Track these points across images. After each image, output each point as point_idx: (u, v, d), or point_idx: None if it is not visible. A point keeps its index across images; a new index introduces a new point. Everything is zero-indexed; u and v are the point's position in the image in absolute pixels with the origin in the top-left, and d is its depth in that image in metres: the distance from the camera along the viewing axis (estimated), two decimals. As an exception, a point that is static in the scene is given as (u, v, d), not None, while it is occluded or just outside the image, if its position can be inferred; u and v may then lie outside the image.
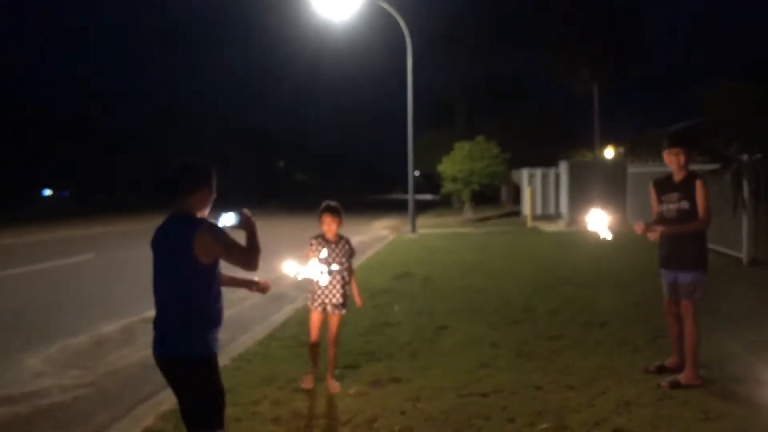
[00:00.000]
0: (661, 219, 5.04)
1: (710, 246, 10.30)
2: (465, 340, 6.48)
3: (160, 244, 3.25)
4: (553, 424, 4.27)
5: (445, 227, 21.32)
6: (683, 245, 4.91)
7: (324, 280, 4.74)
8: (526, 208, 22.08)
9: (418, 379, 5.24)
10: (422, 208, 29.42)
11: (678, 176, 4.98)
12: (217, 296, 3.26)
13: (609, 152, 29.52)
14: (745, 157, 7.74)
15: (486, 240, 16.74)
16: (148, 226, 4.58)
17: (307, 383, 5.03)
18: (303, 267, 4.24)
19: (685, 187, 4.91)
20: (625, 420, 4.27)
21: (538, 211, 22.44)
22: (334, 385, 5.01)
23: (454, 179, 23.53)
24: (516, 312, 7.66)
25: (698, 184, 4.85)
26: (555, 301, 8.16)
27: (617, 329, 6.62)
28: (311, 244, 4.98)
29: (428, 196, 32.62)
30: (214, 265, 3.21)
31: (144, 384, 5.35)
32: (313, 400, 4.83)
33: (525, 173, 23.95)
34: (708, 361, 5.17)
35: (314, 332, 5.07)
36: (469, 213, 23.89)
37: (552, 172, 21.92)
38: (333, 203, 5.07)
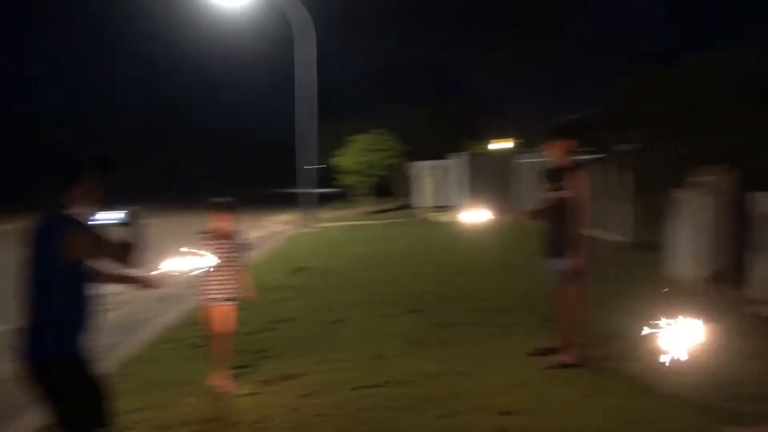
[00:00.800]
0: (546, 205, 5.24)
1: (596, 231, 10.94)
2: (361, 332, 6.48)
3: (31, 243, 3.03)
4: (444, 410, 4.33)
5: (344, 220, 21.31)
6: (564, 234, 5.12)
7: (214, 275, 4.63)
8: (423, 199, 22.49)
9: (313, 374, 5.18)
10: (322, 201, 29.26)
11: (563, 165, 5.19)
12: (88, 298, 3.07)
13: (504, 144, 30.51)
14: (625, 147, 8.21)
15: (384, 232, 16.89)
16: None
17: (219, 382, 4.84)
18: (193, 262, 4.10)
19: (568, 176, 5.12)
20: (513, 401, 4.41)
21: (435, 202, 22.90)
22: (228, 384, 4.86)
23: (353, 172, 23.59)
24: (412, 301, 7.75)
25: (578, 174, 5.07)
26: (449, 290, 8.34)
27: (508, 314, 6.84)
28: (201, 239, 4.82)
29: (328, 189, 32.40)
30: (85, 265, 3.02)
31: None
32: (202, 404, 4.65)
33: (422, 165, 24.35)
34: (592, 341, 5.43)
35: (213, 327, 4.89)
36: (367, 205, 24.02)
37: (447, 164, 22.42)
38: (224, 198, 4.96)
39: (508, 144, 24.60)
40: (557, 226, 5.11)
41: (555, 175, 5.19)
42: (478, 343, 5.84)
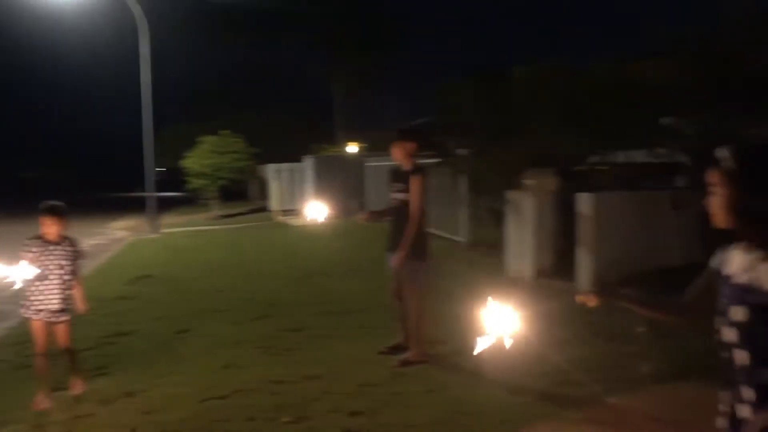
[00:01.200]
0: (391, 204, 5.40)
1: (437, 232, 11.44)
2: (207, 341, 6.26)
3: None
4: (293, 416, 4.31)
5: (192, 225, 20.49)
6: (403, 235, 5.30)
7: (40, 285, 4.35)
8: (274, 202, 22.23)
9: (156, 389, 4.92)
10: (168, 205, 27.90)
11: (405, 167, 5.37)
12: None
13: (353, 147, 30.99)
14: (463, 152, 8.67)
15: (234, 236, 16.47)
16: None
17: (42, 403, 4.45)
18: (15, 271, 3.80)
19: (408, 179, 5.31)
20: (361, 402, 4.48)
21: (286, 205, 22.74)
22: (79, 385, 4.69)
23: (200, 175, 22.70)
24: (261, 307, 7.63)
25: (413, 178, 5.26)
26: (300, 294, 8.31)
27: (358, 316, 6.96)
28: (26, 246, 4.45)
29: (175, 193, 30.95)
30: None
31: None
32: (28, 429, 4.25)
33: (272, 168, 24.07)
34: (435, 338, 5.67)
35: (39, 342, 4.53)
36: (216, 209, 23.25)
37: (298, 167, 22.35)
38: (53, 203, 4.62)
39: (356, 148, 25.05)
40: (399, 226, 5.28)
41: (398, 177, 5.37)
42: (328, 346, 5.88)
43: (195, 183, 23.19)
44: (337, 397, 4.62)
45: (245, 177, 25.75)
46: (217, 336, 6.43)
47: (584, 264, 6.99)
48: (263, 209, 25.49)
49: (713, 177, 2.13)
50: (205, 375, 5.21)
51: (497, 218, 8.57)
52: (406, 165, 5.37)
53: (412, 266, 5.22)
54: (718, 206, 2.12)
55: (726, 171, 2.09)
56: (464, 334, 5.87)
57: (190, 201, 29.11)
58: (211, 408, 4.50)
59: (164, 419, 4.33)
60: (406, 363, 5.18)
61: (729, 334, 2.10)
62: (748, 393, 2.04)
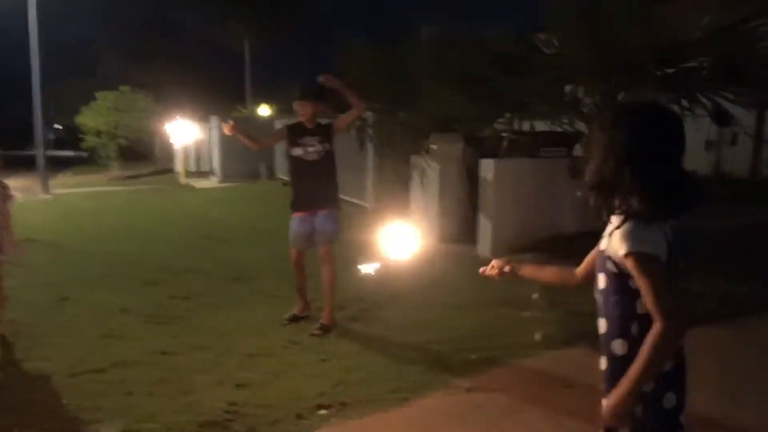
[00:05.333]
0: (300, 162, 5.13)
1: (343, 197, 11.24)
2: (89, 310, 5.83)
3: None
4: (178, 389, 4.05)
5: (88, 186, 19.31)
6: (326, 188, 5.13)
7: None
8: (178, 164, 21.29)
9: (26, 362, 4.52)
10: (64, 165, 26.28)
11: (309, 125, 5.12)
12: None
13: (264, 110, 30.10)
14: (369, 114, 8.45)
15: (134, 198, 15.62)
16: None
17: None
18: None
19: (324, 131, 5.13)
20: (249, 374, 4.27)
21: (192, 167, 21.86)
22: None
23: (98, 133, 21.42)
24: (153, 273, 7.22)
25: (327, 133, 5.14)
26: (196, 259, 7.93)
27: (254, 282, 6.70)
28: None
29: (71, 152, 29.19)
30: None
31: None
32: None
33: (180, 127, 22.94)
34: (339, 303, 5.49)
35: None
36: (116, 170, 22.05)
37: (206, 127, 21.44)
38: None
39: (268, 110, 24.29)
40: (320, 181, 5.10)
41: (308, 131, 5.14)
42: (220, 315, 5.60)
43: (91, 141, 21.87)
44: (225, 368, 4.39)
45: (149, 137, 24.53)
46: (101, 304, 6.01)
47: (485, 229, 7.01)
48: (169, 170, 24.41)
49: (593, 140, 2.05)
50: (81, 347, 4.83)
51: (403, 183, 8.47)
52: (311, 122, 5.13)
53: (334, 222, 5.12)
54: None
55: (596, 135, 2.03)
56: (361, 300, 5.77)
57: (88, 161, 27.53)
58: (82, 383, 4.15)
59: (30, 397, 3.96)
60: (325, 329, 4.99)
61: (597, 302, 2.06)
62: (603, 363, 2.04)
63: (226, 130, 5.14)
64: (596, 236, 2.04)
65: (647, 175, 1.87)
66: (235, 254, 8.14)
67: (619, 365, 1.95)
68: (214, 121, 20.18)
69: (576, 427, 3.27)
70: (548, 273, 2.37)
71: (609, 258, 1.95)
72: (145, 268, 7.49)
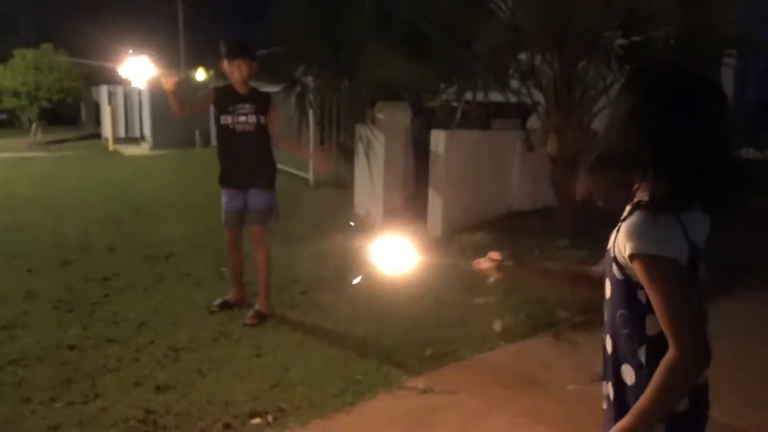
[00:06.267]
0: (229, 132, 4.51)
1: (283, 168, 10.62)
2: (-11, 295, 5.12)
3: None
4: (82, 395, 3.46)
5: (6, 151, 17.88)
6: (260, 164, 4.54)
7: None
8: (106, 129, 19.99)
9: None
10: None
11: (242, 89, 4.50)
12: None
13: (200, 74, 28.68)
14: (309, 80, 7.82)
15: (54, 167, 14.46)
16: None
17: None
18: None
19: (259, 101, 4.51)
20: (172, 372, 3.72)
21: (122, 133, 20.58)
22: None
23: (17, 93, 19.81)
24: (69, 252, 6.48)
25: (272, 103, 4.57)
26: (118, 235, 7.20)
27: (182, 262, 6.07)
28: None
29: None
30: None
31: None
32: None
33: (104, 90, 21.52)
34: (278, 287, 4.98)
35: None
36: (38, 135, 20.51)
37: (135, 91, 20.15)
38: None
39: (203, 74, 23.08)
40: (252, 154, 4.49)
41: (241, 97, 4.51)
42: (142, 300, 4.99)
43: (9, 102, 20.24)
44: (144, 366, 3.82)
45: (75, 99, 22.95)
46: (4, 288, 5.29)
47: (435, 205, 6.58)
48: (96, 136, 22.98)
49: None
50: (-26, 341, 4.16)
51: (346, 155, 7.92)
52: (243, 85, 4.50)
53: (267, 201, 4.53)
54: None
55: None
56: (301, 284, 5.25)
57: (7, 124, 25.66)
58: (-31, 387, 3.52)
59: None
60: (260, 317, 4.44)
61: (605, 315, 1.64)
62: (607, 390, 1.60)
63: (166, 83, 4.43)
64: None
65: (669, 150, 1.42)
66: (165, 231, 7.43)
67: (627, 397, 1.52)
68: (146, 86, 18.97)
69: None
70: (560, 271, 1.94)
71: (614, 260, 1.51)
72: (62, 246, 6.73)
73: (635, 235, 1.40)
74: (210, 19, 29.42)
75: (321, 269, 5.42)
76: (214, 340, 4.18)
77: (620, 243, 1.46)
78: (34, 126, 20.66)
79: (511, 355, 3.80)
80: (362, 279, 2.02)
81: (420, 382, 3.45)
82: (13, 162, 15.30)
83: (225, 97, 4.52)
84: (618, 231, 1.49)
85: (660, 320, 1.40)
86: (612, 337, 1.57)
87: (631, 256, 1.41)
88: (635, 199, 1.49)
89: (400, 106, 7.26)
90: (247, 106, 4.47)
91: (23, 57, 19.78)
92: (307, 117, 8.31)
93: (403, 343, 3.99)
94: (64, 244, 6.79)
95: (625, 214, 1.49)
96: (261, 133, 4.51)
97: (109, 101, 20.77)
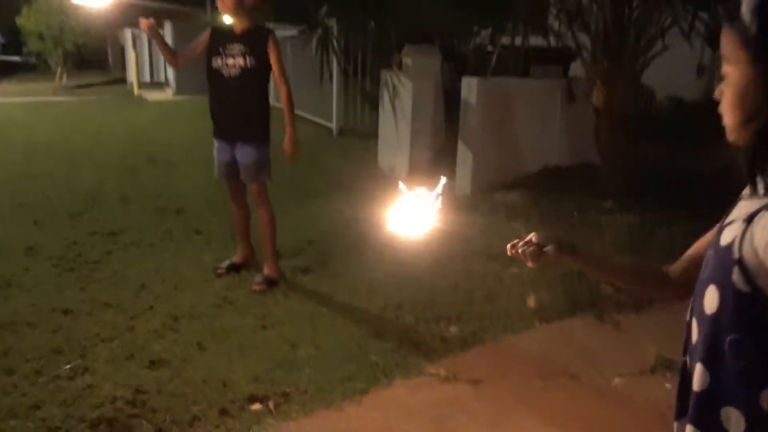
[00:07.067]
0: (217, 76, 4.03)
1: (306, 115, 10.13)
2: (-13, 249, 4.83)
3: None
4: (69, 365, 3.14)
5: (30, 96, 17.67)
6: (247, 114, 4.01)
7: None
8: (131, 74, 19.60)
9: None
10: (12, 71, 24.27)
11: (238, 25, 3.98)
12: None
13: (227, 17, 27.96)
14: (333, 22, 7.23)
15: (76, 111, 14.19)
16: None
17: None
18: None
19: (251, 40, 3.95)
20: (167, 344, 3.37)
21: (147, 78, 20.19)
22: None
23: (41, 36, 19.44)
24: (79, 202, 6.17)
25: (272, 42, 3.95)
26: (132, 185, 6.86)
27: (194, 217, 5.70)
28: None
29: (18, 58, 27.07)
30: None
31: None
32: None
33: (129, 34, 21.03)
34: (290, 248, 4.59)
35: None
36: (63, 79, 20.23)
37: (161, 32, 19.63)
38: None
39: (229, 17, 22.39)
40: (239, 103, 3.99)
41: (234, 36, 4.00)
42: (146, 258, 4.65)
43: (34, 46, 19.92)
44: (139, 335, 3.48)
45: (99, 43, 22.55)
46: (5, 242, 5.00)
47: (465, 160, 6.06)
48: (122, 81, 22.67)
49: (725, 46, 1.08)
50: (-39, 302, 3.86)
51: (372, 103, 7.39)
52: (239, 20, 3.96)
53: (258, 155, 4.02)
54: (727, 100, 1.09)
55: (743, 37, 1.05)
56: (320, 245, 4.85)
57: (36, 68, 25.45)
58: (-53, 358, 3.22)
59: None
60: (269, 282, 4.06)
61: (693, 333, 1.17)
62: None
63: (143, 25, 3.98)
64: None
65: None
66: (180, 181, 7.06)
67: None
68: (169, 26, 18.45)
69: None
70: (622, 266, 1.44)
71: (738, 263, 1.03)
72: (72, 196, 6.43)
73: None
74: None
75: (340, 230, 5.00)
76: (218, 307, 3.82)
77: (759, 238, 0.98)
78: (59, 70, 20.37)
79: (547, 339, 3.34)
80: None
81: (442, 368, 3.03)
82: (36, 106, 15.07)
83: (218, 37, 4.01)
84: (746, 222, 1.02)
85: None
86: (708, 367, 1.11)
87: None
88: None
89: (429, 50, 6.66)
90: (238, 46, 3.94)
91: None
92: (330, 63, 7.76)
93: (425, 318, 3.57)
94: (76, 194, 6.49)
95: (757, 202, 1.02)
96: (249, 78, 3.95)
97: (134, 45, 20.33)
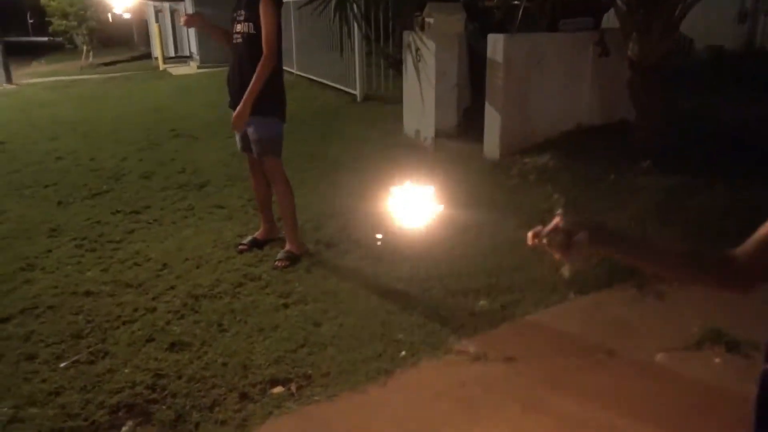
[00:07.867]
0: (232, 44, 3.86)
1: (328, 82, 9.90)
2: (12, 230, 4.83)
3: None
4: (90, 351, 3.08)
5: (58, 75, 17.77)
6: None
7: None
8: (156, 49, 19.54)
9: None
10: (33, 52, 24.46)
11: None
12: None
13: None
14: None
15: (103, 88, 14.19)
16: None
17: None
18: None
19: (250, 3, 3.73)
20: (187, 326, 3.28)
21: (171, 52, 20.11)
22: None
23: (65, 14, 19.47)
24: (102, 180, 6.15)
25: (263, 2, 3.68)
26: (155, 161, 6.79)
27: (216, 192, 5.60)
28: None
29: (45, 38, 27.27)
30: None
31: None
32: None
33: (151, 8, 20.91)
34: (312, 223, 4.47)
35: None
36: (90, 57, 20.28)
37: (181, 6, 19.46)
38: None
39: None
40: (242, 71, 3.79)
41: (239, 3, 3.82)
42: (168, 236, 4.57)
43: (58, 25, 19.97)
44: (160, 317, 3.39)
45: (123, 19, 22.51)
46: (29, 222, 4.99)
47: (492, 122, 5.80)
48: (147, 57, 22.65)
49: None
50: (-15, 285, 3.84)
51: (395, 67, 7.13)
52: None
53: (264, 129, 3.83)
54: None
55: None
56: (344, 218, 4.68)
57: (58, 46, 25.60)
58: (-30, 341, 3.18)
59: None
60: (291, 258, 3.93)
61: None
62: None
63: (185, 23, 3.83)
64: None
65: None
66: (202, 156, 6.96)
67: None
68: (189, 1, 18.26)
69: (625, 427, 2.30)
70: (669, 254, 1.18)
71: None
72: (96, 174, 6.41)
73: None
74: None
75: (364, 201, 4.83)
76: (240, 285, 3.71)
77: None
78: (85, 48, 20.41)
79: (583, 312, 3.14)
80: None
81: (471, 345, 2.87)
82: (63, 85, 15.12)
83: (235, 2, 3.84)
84: None
85: None
86: None
87: None
88: None
89: (452, 7, 6.37)
90: (242, 13, 3.76)
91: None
92: (352, 28, 7.50)
93: (453, 290, 3.40)
94: (100, 172, 6.46)
95: None
96: (249, 46, 3.72)
97: (156, 19, 20.21)
